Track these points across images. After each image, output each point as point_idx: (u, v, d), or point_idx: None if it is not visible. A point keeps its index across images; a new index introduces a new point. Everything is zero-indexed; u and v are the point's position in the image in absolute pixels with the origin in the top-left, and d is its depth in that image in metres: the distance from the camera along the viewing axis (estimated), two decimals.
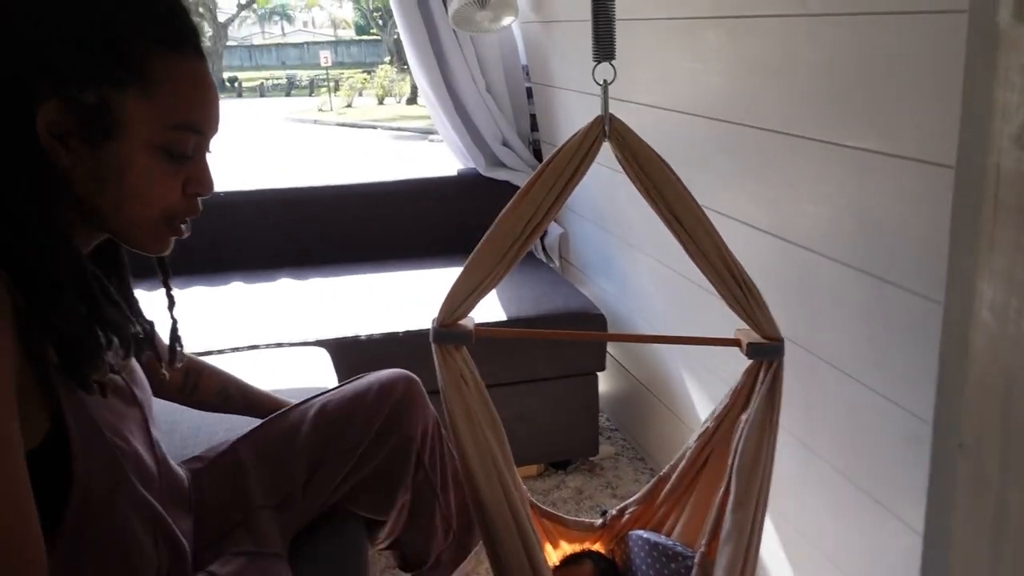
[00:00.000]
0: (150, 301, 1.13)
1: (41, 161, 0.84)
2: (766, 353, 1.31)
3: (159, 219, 0.93)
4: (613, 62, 1.26)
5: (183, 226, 0.96)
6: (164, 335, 1.17)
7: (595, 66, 1.26)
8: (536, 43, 2.68)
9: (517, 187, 2.83)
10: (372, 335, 2.17)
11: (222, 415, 1.56)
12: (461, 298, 1.33)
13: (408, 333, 2.18)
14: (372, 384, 1.39)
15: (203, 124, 0.92)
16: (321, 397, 1.38)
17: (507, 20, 2.52)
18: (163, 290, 1.10)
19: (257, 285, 2.57)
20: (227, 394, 1.43)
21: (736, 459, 1.31)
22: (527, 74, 2.88)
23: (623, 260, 2.42)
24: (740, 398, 1.38)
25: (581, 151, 1.27)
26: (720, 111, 1.66)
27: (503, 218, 1.32)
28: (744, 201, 1.63)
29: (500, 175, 2.85)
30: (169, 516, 1.09)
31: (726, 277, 1.29)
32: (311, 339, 2.12)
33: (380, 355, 2.16)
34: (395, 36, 19.42)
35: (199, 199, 0.96)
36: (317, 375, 1.87)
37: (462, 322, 1.35)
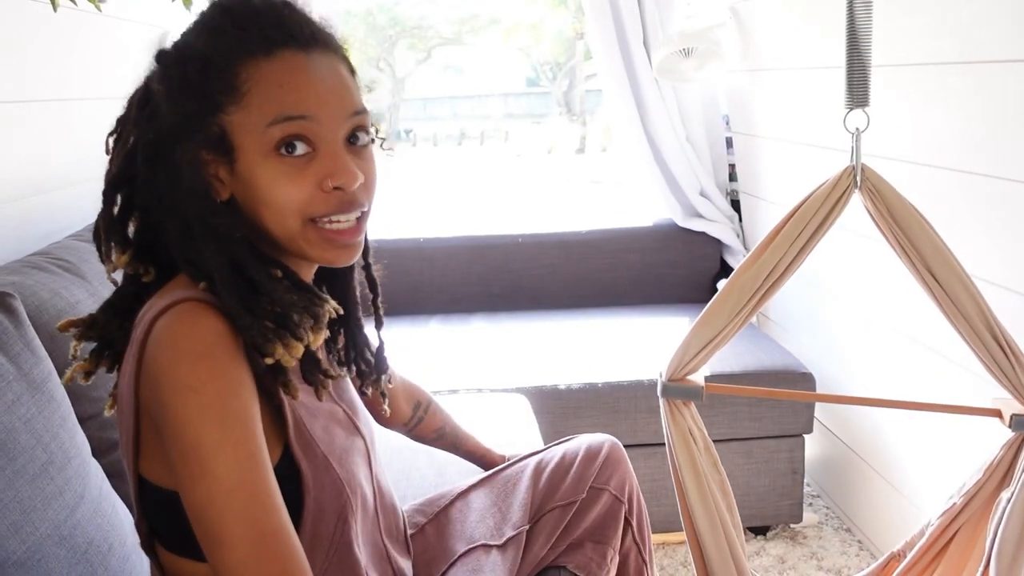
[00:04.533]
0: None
1: (211, 201, 0.88)
2: None
3: (301, 224, 0.88)
4: (867, 109, 1.19)
5: (339, 230, 0.90)
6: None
7: (847, 113, 1.20)
8: (740, 92, 2.63)
9: (714, 239, 2.82)
10: (571, 385, 2.15)
11: (433, 459, 1.57)
12: (693, 352, 1.29)
13: (607, 385, 2.15)
14: (581, 444, 1.38)
15: (303, 110, 0.86)
16: (535, 455, 1.39)
17: (712, 69, 2.49)
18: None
19: (453, 327, 2.61)
20: (442, 432, 1.46)
21: (998, 541, 1.19)
22: (727, 123, 2.82)
23: (827, 315, 2.31)
24: (997, 474, 1.27)
25: (829, 202, 1.21)
26: (969, 163, 1.55)
27: (741, 271, 1.27)
28: (999, 261, 1.51)
29: (697, 226, 2.80)
30: (392, 552, 1.10)
31: (988, 340, 1.19)
32: (511, 386, 2.12)
33: (578, 405, 2.14)
34: (564, 88, 19.73)
35: (342, 193, 0.89)
36: (520, 422, 1.86)
37: (691, 377, 1.31)
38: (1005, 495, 1.21)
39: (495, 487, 1.35)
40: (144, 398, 0.83)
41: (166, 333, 0.81)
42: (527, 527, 1.28)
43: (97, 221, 0.93)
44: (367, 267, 1.12)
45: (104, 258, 0.93)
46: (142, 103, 0.92)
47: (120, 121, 0.94)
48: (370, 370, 1.12)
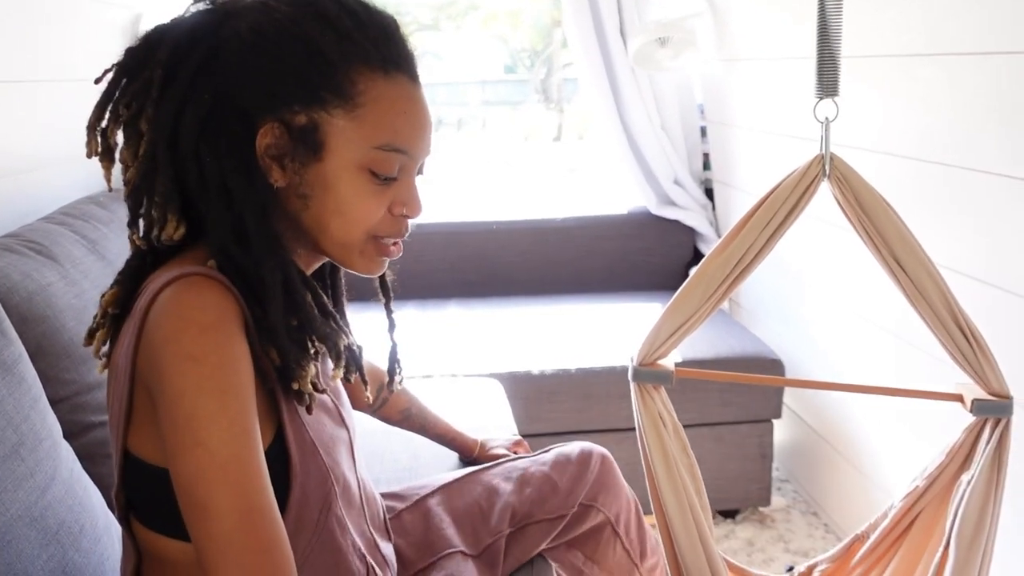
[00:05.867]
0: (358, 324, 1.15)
1: (259, 180, 0.87)
2: (994, 411, 1.22)
3: (364, 238, 0.92)
4: (836, 99, 1.21)
5: (392, 247, 0.96)
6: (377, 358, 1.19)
7: (817, 103, 1.21)
8: (715, 81, 2.65)
9: (688, 227, 2.84)
10: (544, 371, 2.16)
11: (407, 442, 1.58)
12: (663, 337, 1.30)
13: (580, 370, 2.16)
14: (570, 456, 1.39)
15: (408, 145, 0.90)
16: (521, 461, 1.40)
17: (687, 58, 2.50)
18: (383, 313, 1.13)
19: (428, 313, 2.62)
20: (408, 413, 1.47)
21: (957, 523, 1.22)
22: (702, 113, 2.84)
23: (796, 303, 2.34)
24: (958, 457, 1.29)
25: (798, 190, 1.23)
26: (936, 154, 1.58)
27: (711, 257, 1.28)
28: (964, 250, 1.53)
29: (670, 214, 2.82)
30: (377, 539, 1.11)
31: (951, 327, 1.21)
32: (485, 372, 2.13)
33: (552, 390, 2.15)
34: (541, 76, 19.72)
35: (406, 220, 0.95)
36: (494, 407, 1.87)
37: (662, 362, 1.32)
38: (965, 478, 1.24)
39: (478, 486, 1.35)
40: (141, 367, 0.82)
41: (172, 303, 0.80)
42: (507, 532, 1.30)
43: (138, 184, 0.88)
44: (385, 290, 1.15)
45: (151, 223, 0.88)
46: (201, 67, 0.86)
47: (141, 61, 0.88)
48: (355, 366, 1.12)
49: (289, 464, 0.90)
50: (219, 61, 0.87)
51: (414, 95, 0.91)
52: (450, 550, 1.24)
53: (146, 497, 0.89)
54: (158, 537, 0.89)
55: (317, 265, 1.00)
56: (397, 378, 1.16)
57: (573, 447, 1.41)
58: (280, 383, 0.88)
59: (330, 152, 0.87)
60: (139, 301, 0.84)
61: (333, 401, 1.05)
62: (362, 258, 0.94)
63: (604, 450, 1.42)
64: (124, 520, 0.92)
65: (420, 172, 0.97)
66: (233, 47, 0.87)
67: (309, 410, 0.91)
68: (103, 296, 0.90)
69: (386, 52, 0.89)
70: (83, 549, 1.07)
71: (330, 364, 0.96)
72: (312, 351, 0.90)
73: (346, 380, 1.09)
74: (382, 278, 1.13)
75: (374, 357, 1.42)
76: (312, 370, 0.87)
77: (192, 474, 0.77)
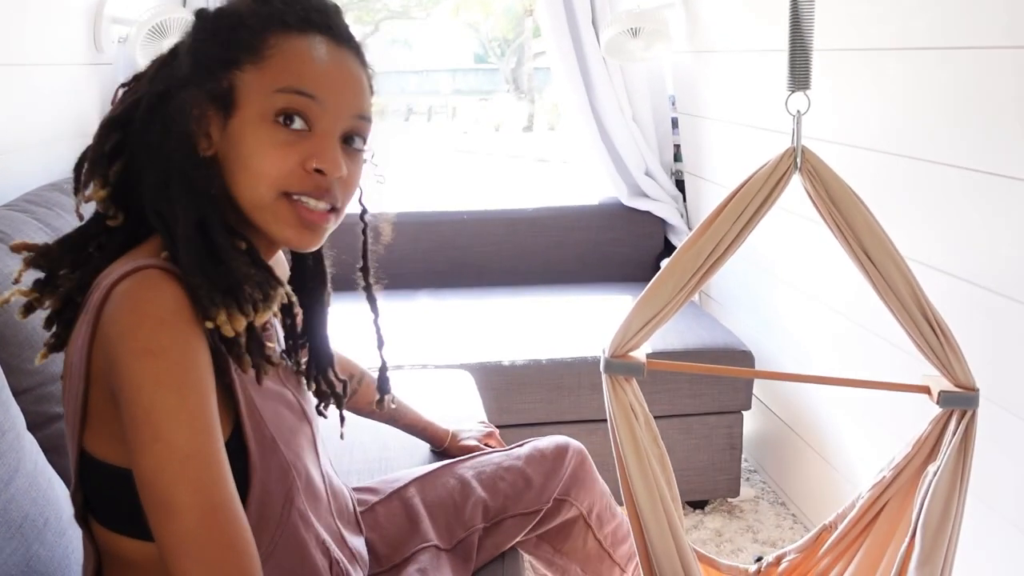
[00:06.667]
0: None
1: (192, 152, 0.87)
2: (959, 402, 1.24)
3: (273, 195, 0.88)
4: (808, 92, 1.22)
5: (315, 214, 0.90)
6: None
7: (788, 96, 1.22)
8: (686, 73, 2.65)
9: (659, 218, 2.85)
10: (515, 362, 2.16)
11: (377, 434, 1.57)
12: (635, 329, 1.30)
13: (551, 361, 2.17)
14: (545, 452, 1.40)
15: (315, 90, 0.87)
16: (495, 455, 1.40)
17: (659, 49, 2.50)
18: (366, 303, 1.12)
19: (398, 303, 2.60)
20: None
21: (923, 513, 1.23)
22: (673, 104, 2.85)
23: (766, 295, 2.35)
24: (924, 448, 1.31)
25: (770, 183, 1.23)
26: (904, 147, 1.59)
27: (683, 249, 1.28)
28: (930, 243, 1.55)
29: (642, 205, 2.83)
30: (345, 533, 1.10)
31: (919, 320, 1.22)
32: (455, 363, 2.13)
33: (522, 382, 2.15)
34: (512, 65, 19.63)
35: (324, 180, 0.89)
36: (464, 398, 1.87)
37: (634, 353, 1.32)
38: (932, 469, 1.26)
39: (452, 479, 1.35)
40: (97, 364, 0.81)
41: (128, 297, 0.79)
42: (481, 527, 1.30)
43: (83, 153, 0.91)
44: (368, 287, 1.14)
45: (79, 188, 0.91)
46: (165, 61, 0.93)
47: (136, 76, 0.94)
48: (332, 390, 1.11)
49: (248, 459, 0.89)
50: (176, 58, 0.92)
51: (328, 49, 0.90)
52: (424, 544, 1.24)
53: (105, 497, 0.87)
54: (119, 538, 0.88)
55: (273, 255, 0.98)
56: (388, 397, 1.15)
57: (548, 441, 1.41)
58: (227, 353, 0.85)
59: (240, 107, 0.87)
60: (92, 297, 0.83)
61: (294, 394, 1.04)
62: (277, 221, 0.89)
63: (579, 444, 1.43)
64: (83, 521, 0.90)
65: (350, 142, 0.93)
66: (184, 38, 0.92)
67: (259, 379, 0.88)
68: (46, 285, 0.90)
69: (304, 14, 0.89)
70: (48, 543, 1.05)
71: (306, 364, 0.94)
72: (249, 305, 0.84)
73: (312, 379, 1.08)
74: (369, 291, 1.13)
75: (350, 347, 1.42)
76: (241, 322, 0.83)
77: (153, 470, 0.76)
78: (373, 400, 1.44)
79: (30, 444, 1.12)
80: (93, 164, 0.90)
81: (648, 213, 2.84)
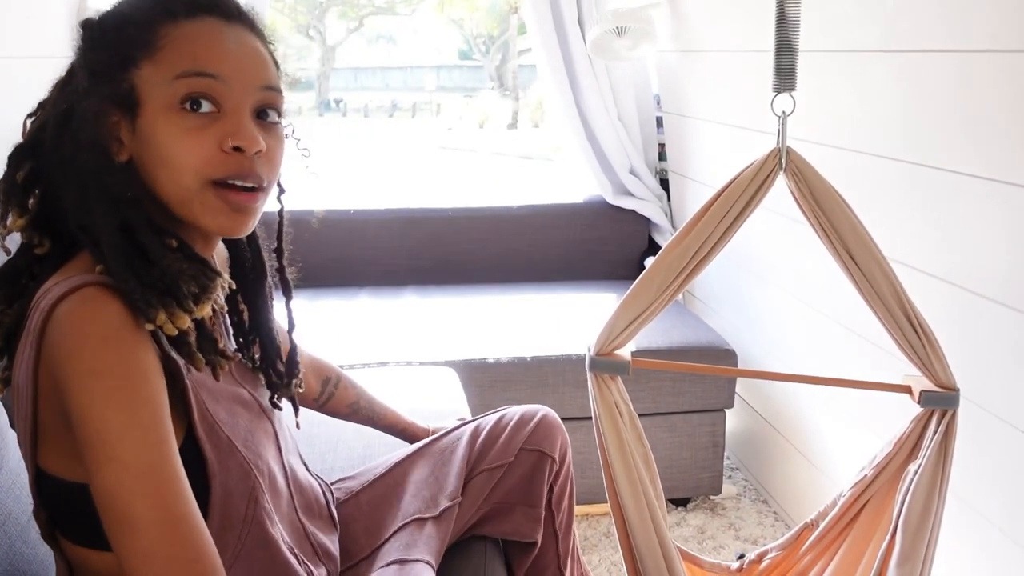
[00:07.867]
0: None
1: (107, 161, 0.86)
2: (941, 402, 1.25)
3: (198, 185, 0.86)
4: (793, 93, 1.22)
5: (242, 194, 0.89)
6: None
7: (774, 96, 1.23)
8: (672, 72, 2.66)
9: (643, 217, 2.86)
10: (500, 359, 2.16)
11: (360, 431, 1.57)
12: (620, 328, 1.31)
13: (536, 359, 2.17)
14: (516, 412, 1.41)
15: (215, 69, 0.86)
16: (467, 425, 1.41)
17: (645, 49, 2.51)
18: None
19: (383, 300, 2.60)
20: (356, 407, 1.45)
21: (904, 511, 1.25)
22: (658, 103, 2.86)
23: (750, 294, 2.37)
24: (905, 447, 1.32)
25: (755, 183, 1.24)
26: (888, 149, 1.61)
27: (668, 249, 1.29)
28: (913, 244, 1.57)
29: (626, 204, 2.83)
30: (310, 529, 1.10)
31: (901, 320, 1.23)
32: (440, 359, 2.13)
33: (507, 379, 2.16)
34: (497, 62, 19.62)
35: (246, 157, 0.88)
36: (449, 395, 1.87)
37: (619, 352, 1.33)
38: (912, 467, 1.27)
39: (432, 457, 1.36)
40: (44, 385, 0.80)
41: (69, 318, 0.78)
42: (460, 491, 1.30)
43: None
44: (281, 268, 1.11)
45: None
46: (64, 82, 0.91)
47: (40, 104, 0.93)
48: (281, 380, 1.10)
49: (206, 464, 0.89)
50: (73, 72, 0.91)
51: (220, 27, 0.89)
52: (405, 520, 1.25)
53: (67, 513, 0.87)
54: (88, 552, 0.88)
55: (210, 249, 0.97)
56: (295, 381, 1.13)
57: (518, 408, 1.41)
58: (179, 353, 0.85)
59: (143, 104, 0.86)
60: (31, 318, 0.81)
61: (250, 392, 1.04)
62: (207, 211, 0.88)
63: (548, 408, 1.42)
64: (50, 537, 0.90)
65: (264, 116, 0.92)
66: (76, 54, 0.91)
67: (216, 375, 0.87)
68: None
69: (190, 2, 0.89)
70: (31, 541, 1.05)
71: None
72: (188, 300, 0.84)
73: (272, 395, 1.08)
74: (282, 274, 1.11)
75: (321, 348, 1.42)
76: (183, 319, 0.82)
77: (110, 489, 0.75)
78: (351, 402, 1.44)
79: (13, 440, 1.11)
80: (7, 195, 0.88)
81: (633, 212, 2.84)
